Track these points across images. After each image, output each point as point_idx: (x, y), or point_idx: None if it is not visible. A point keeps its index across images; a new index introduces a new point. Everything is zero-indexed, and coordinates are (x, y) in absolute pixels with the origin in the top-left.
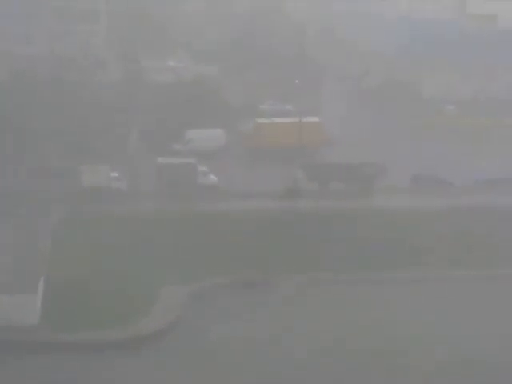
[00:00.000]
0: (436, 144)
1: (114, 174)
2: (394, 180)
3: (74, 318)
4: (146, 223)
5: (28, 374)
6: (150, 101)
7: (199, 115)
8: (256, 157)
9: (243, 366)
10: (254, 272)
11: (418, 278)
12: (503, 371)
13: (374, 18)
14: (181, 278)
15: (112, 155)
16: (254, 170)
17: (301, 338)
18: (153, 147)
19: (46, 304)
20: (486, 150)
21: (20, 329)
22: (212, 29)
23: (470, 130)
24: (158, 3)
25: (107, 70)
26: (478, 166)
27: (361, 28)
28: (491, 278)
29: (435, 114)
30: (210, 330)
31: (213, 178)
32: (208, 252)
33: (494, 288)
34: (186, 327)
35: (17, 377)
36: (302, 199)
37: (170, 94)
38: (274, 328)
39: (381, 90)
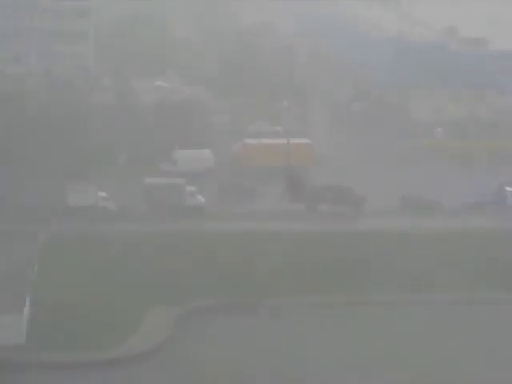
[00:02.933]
0: (424, 166)
1: (102, 194)
2: (383, 202)
3: (60, 338)
4: (132, 244)
5: None
6: (139, 121)
7: (187, 136)
8: (244, 178)
9: None
10: (240, 294)
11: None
12: None
13: (364, 40)
14: (167, 300)
15: (100, 175)
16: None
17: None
18: (141, 167)
19: (31, 324)
20: (474, 172)
21: (6, 349)
22: (201, 50)
23: (458, 152)
24: (146, 24)
25: (96, 90)
26: (466, 188)
27: (350, 50)
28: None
29: (424, 136)
30: (196, 352)
31: (200, 198)
32: (194, 273)
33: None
34: (172, 348)
35: None
36: (290, 221)
37: (159, 115)
38: (259, 350)
39: (369, 112)
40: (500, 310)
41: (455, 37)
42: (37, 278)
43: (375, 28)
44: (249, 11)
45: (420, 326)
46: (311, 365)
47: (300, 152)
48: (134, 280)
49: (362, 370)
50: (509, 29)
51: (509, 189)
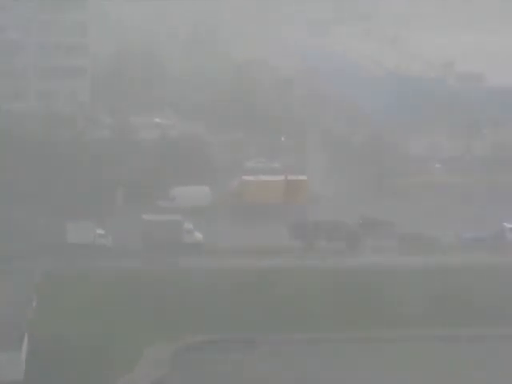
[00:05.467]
0: (423, 203)
1: (100, 231)
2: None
3: (58, 375)
4: (130, 281)
5: None
6: (137, 157)
7: (185, 172)
8: (241, 214)
9: None
10: (238, 330)
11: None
12: None
13: (361, 75)
14: (165, 336)
15: (98, 212)
16: (240, 228)
17: None
18: (138, 204)
19: (30, 361)
20: (473, 208)
21: None
22: (198, 86)
23: (456, 188)
24: (143, 60)
25: (94, 127)
26: (464, 223)
27: (347, 86)
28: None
29: (422, 172)
30: None
31: (198, 235)
32: (191, 309)
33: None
34: None
35: None
36: (289, 257)
37: (157, 151)
38: None
39: (367, 148)
40: (502, 346)
41: (453, 72)
42: (35, 316)
43: (373, 63)
44: (246, 46)
45: (420, 362)
46: None
47: (297, 189)
48: (131, 316)
49: None
50: (506, 64)
51: (507, 225)
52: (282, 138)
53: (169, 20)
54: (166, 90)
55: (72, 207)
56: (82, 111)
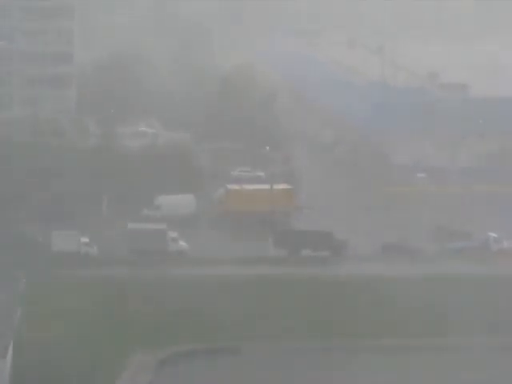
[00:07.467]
0: (406, 212)
1: (85, 240)
2: (364, 248)
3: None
4: (114, 289)
5: None
6: (122, 166)
7: (170, 181)
8: (227, 223)
9: None
10: (220, 339)
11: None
12: None
13: (346, 84)
14: (149, 345)
15: (83, 220)
16: (225, 236)
17: None
18: (124, 212)
19: (15, 369)
20: (455, 217)
21: None
22: (182, 95)
23: (440, 198)
24: (129, 69)
25: (79, 135)
26: (448, 233)
27: (332, 95)
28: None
29: (406, 182)
30: None
31: (182, 244)
32: (175, 318)
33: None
34: None
35: None
36: (273, 266)
37: (141, 160)
38: None
39: (352, 158)
40: (480, 355)
41: (436, 82)
42: (19, 324)
43: (357, 73)
44: (232, 56)
45: (398, 372)
46: None
47: (282, 197)
48: (116, 325)
49: None
50: (490, 74)
51: (491, 234)
52: (267, 147)
53: (155, 30)
54: (151, 99)
55: (57, 216)
56: (68, 120)
